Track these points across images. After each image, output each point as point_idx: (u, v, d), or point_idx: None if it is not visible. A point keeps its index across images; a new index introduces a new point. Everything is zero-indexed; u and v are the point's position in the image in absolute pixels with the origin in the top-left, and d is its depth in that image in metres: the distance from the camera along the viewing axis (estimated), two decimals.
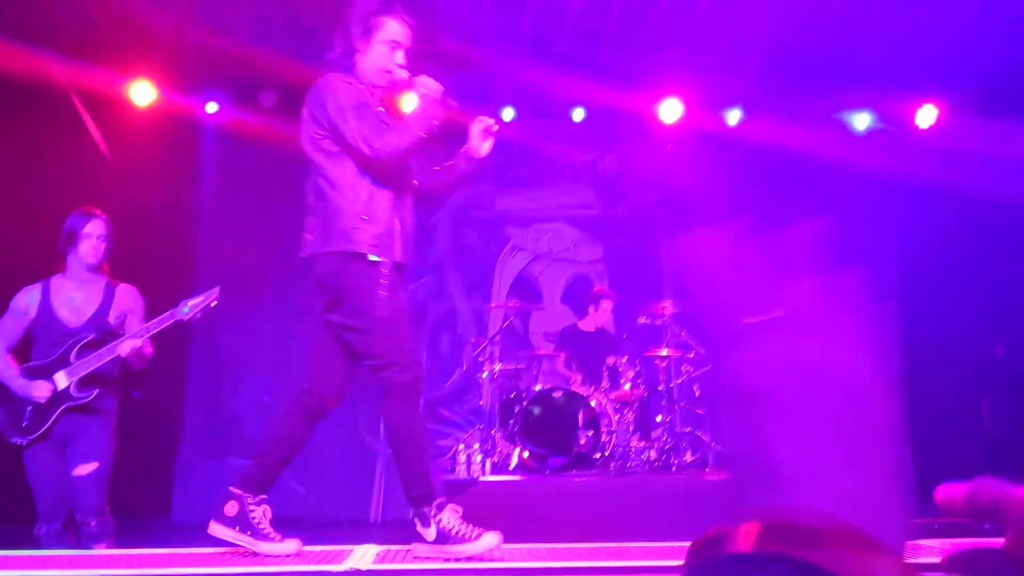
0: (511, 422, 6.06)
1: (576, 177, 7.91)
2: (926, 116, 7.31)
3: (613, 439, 5.99)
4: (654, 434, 6.36)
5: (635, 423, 6.24)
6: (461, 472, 5.84)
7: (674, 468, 6.04)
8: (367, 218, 3.02)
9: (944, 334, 7.09)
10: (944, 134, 7.17)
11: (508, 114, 7.47)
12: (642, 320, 6.77)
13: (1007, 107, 6.71)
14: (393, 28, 3.12)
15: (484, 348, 6.55)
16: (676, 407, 6.54)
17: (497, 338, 6.68)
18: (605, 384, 6.28)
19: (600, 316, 6.84)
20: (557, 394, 6.01)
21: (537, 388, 6.14)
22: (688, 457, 6.18)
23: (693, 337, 6.74)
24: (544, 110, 7.61)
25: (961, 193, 6.67)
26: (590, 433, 5.86)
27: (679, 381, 6.62)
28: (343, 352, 3.16)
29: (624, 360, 6.37)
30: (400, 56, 3.13)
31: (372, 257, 3.00)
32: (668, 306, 6.70)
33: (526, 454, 5.91)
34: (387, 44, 3.11)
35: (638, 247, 7.83)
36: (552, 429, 5.93)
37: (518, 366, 6.49)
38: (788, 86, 7.22)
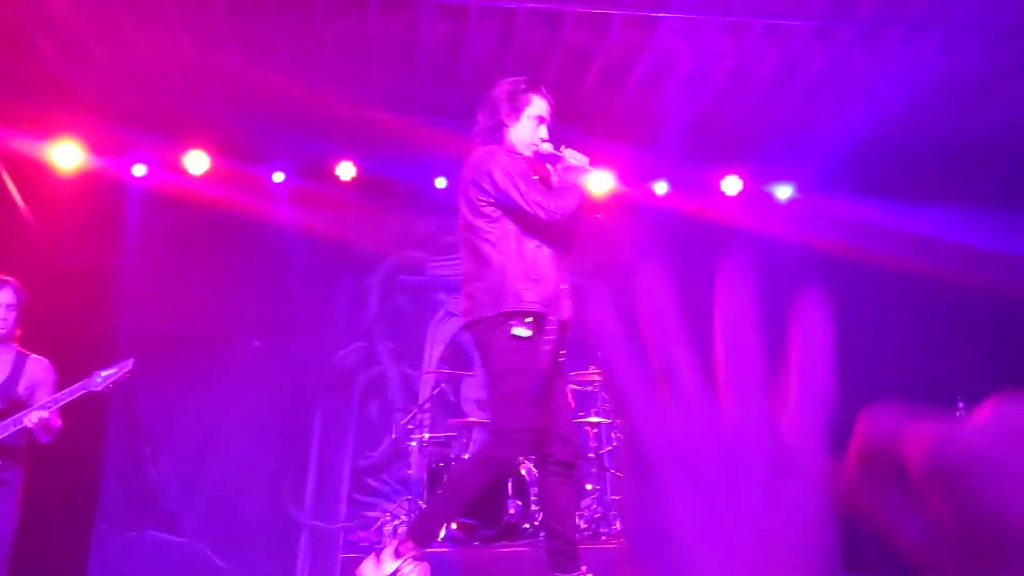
0: (439, 492, 5.96)
1: None
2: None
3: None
4: (584, 503, 6.32)
5: None
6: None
7: (604, 538, 6.00)
8: (536, 279, 3.18)
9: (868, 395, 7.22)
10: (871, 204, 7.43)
11: (441, 182, 7.52)
12: (572, 387, 6.77)
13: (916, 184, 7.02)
14: (539, 104, 3.36)
15: (413, 416, 6.48)
16: (606, 475, 6.52)
17: (427, 406, 6.62)
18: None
19: None
20: None
21: (466, 457, 6.07)
22: (618, 526, 6.15)
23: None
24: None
25: (879, 263, 6.90)
26: (519, 503, 5.80)
27: (608, 448, 6.62)
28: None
29: None
30: (543, 130, 3.37)
31: (519, 331, 3.09)
32: (597, 372, 6.73)
33: (454, 525, 5.81)
34: (534, 119, 3.35)
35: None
36: (481, 499, 5.84)
37: (448, 434, 6.42)
38: (712, 157, 7.44)
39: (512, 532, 5.78)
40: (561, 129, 6.92)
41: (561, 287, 3.29)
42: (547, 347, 3.18)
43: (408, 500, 6.27)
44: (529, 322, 3.12)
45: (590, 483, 6.39)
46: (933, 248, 6.82)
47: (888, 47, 6.01)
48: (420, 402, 6.97)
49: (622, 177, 7.61)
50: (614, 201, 7.75)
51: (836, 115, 6.90)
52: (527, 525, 5.79)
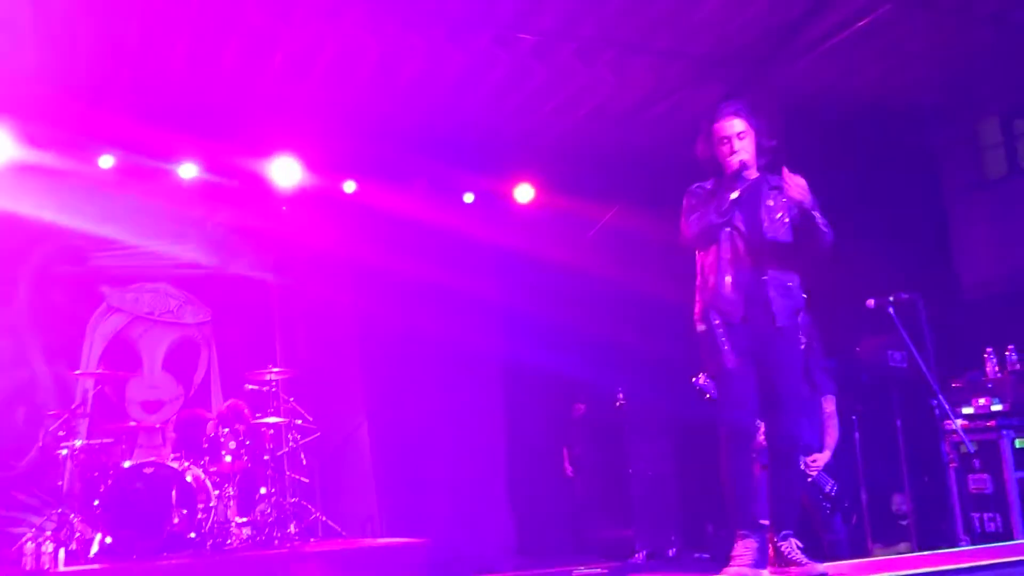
0: (95, 503, 5.47)
1: (183, 235, 7.45)
2: (524, 193, 7.89)
3: (211, 515, 5.62)
4: (259, 507, 6.07)
5: (237, 496, 5.92)
6: (28, 564, 5.09)
7: (277, 541, 5.80)
8: (704, 286, 3.63)
9: (537, 392, 7.71)
10: (541, 210, 7.83)
11: (107, 162, 6.85)
12: (250, 387, 6.49)
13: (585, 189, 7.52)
14: (721, 127, 3.67)
15: (65, 420, 5.86)
16: (283, 477, 6.31)
17: (82, 409, 6.03)
18: (205, 456, 5.89)
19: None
20: (148, 470, 5.53)
21: (127, 464, 5.61)
22: (293, 529, 5.97)
23: (302, 404, 6.59)
24: (149, 161, 7.10)
25: (551, 262, 7.29)
26: (184, 511, 5.44)
27: (286, 450, 6.41)
28: None
29: (226, 430, 6.04)
30: (736, 144, 3.64)
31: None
32: (278, 371, 6.50)
33: (109, 539, 5.34)
34: (721, 143, 3.66)
35: (249, 310, 7.53)
36: (141, 509, 5.44)
37: (106, 440, 5.89)
38: (402, 156, 7.45)
39: (176, 542, 5.42)
40: (243, 112, 6.65)
41: (729, 290, 3.59)
42: (726, 345, 3.55)
43: (59, 513, 5.64)
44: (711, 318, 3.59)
45: (265, 486, 6.13)
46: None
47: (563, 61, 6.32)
48: (77, 404, 6.35)
49: (311, 168, 7.38)
50: (302, 194, 7.51)
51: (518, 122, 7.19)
52: (192, 534, 5.45)
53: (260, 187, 7.32)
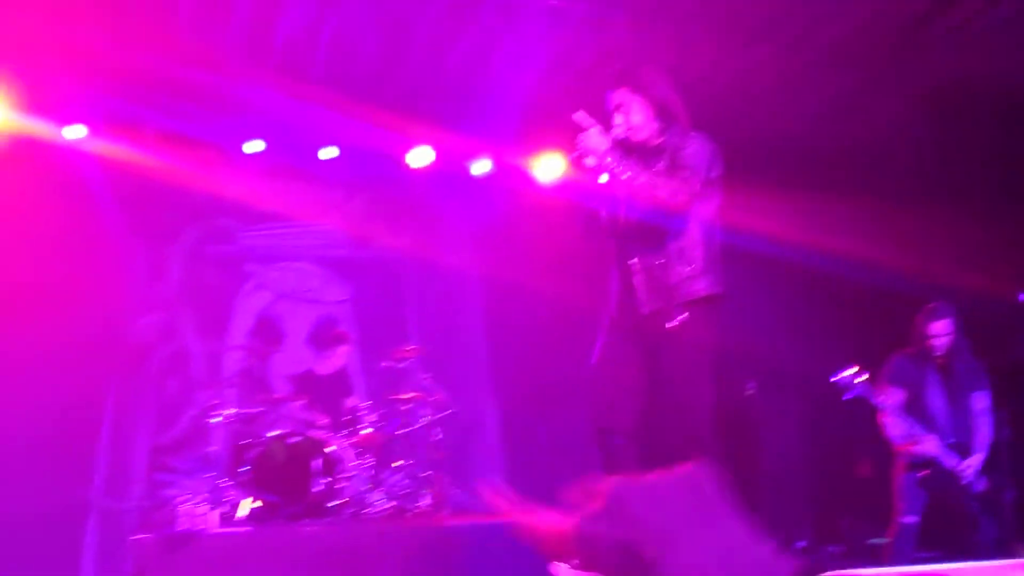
0: (242, 469, 5.77)
1: (324, 215, 7.73)
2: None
3: (350, 485, 5.84)
4: (393, 479, 6.27)
5: (374, 468, 6.13)
6: (183, 524, 5.41)
7: (411, 514, 5.98)
8: None
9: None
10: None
11: (255, 146, 7.18)
12: (386, 363, 6.70)
13: None
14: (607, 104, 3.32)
15: (218, 392, 6.18)
16: (417, 451, 6.49)
17: (233, 381, 6.35)
18: (345, 429, 6.12)
19: (335, 360, 6.69)
20: (292, 439, 5.79)
21: (273, 434, 5.89)
22: (425, 502, 6.14)
23: (436, 380, 6.76)
24: (293, 146, 7.40)
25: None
26: (325, 480, 5.67)
27: (420, 424, 6.58)
28: None
29: (366, 404, 6.26)
30: (616, 118, 3.26)
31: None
32: (413, 349, 6.68)
33: (257, 503, 5.63)
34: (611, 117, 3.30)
35: (386, 289, 7.76)
36: (285, 476, 5.69)
37: (253, 410, 6.19)
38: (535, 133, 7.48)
39: (317, 510, 5.65)
40: (378, 97, 6.78)
41: (612, 287, 3.35)
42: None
43: (209, 478, 5.97)
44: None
45: (400, 459, 6.33)
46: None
47: None
48: (226, 376, 6.69)
49: (443, 152, 7.52)
50: (434, 174, 7.65)
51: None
52: (332, 503, 5.68)
53: (396, 168, 7.50)
